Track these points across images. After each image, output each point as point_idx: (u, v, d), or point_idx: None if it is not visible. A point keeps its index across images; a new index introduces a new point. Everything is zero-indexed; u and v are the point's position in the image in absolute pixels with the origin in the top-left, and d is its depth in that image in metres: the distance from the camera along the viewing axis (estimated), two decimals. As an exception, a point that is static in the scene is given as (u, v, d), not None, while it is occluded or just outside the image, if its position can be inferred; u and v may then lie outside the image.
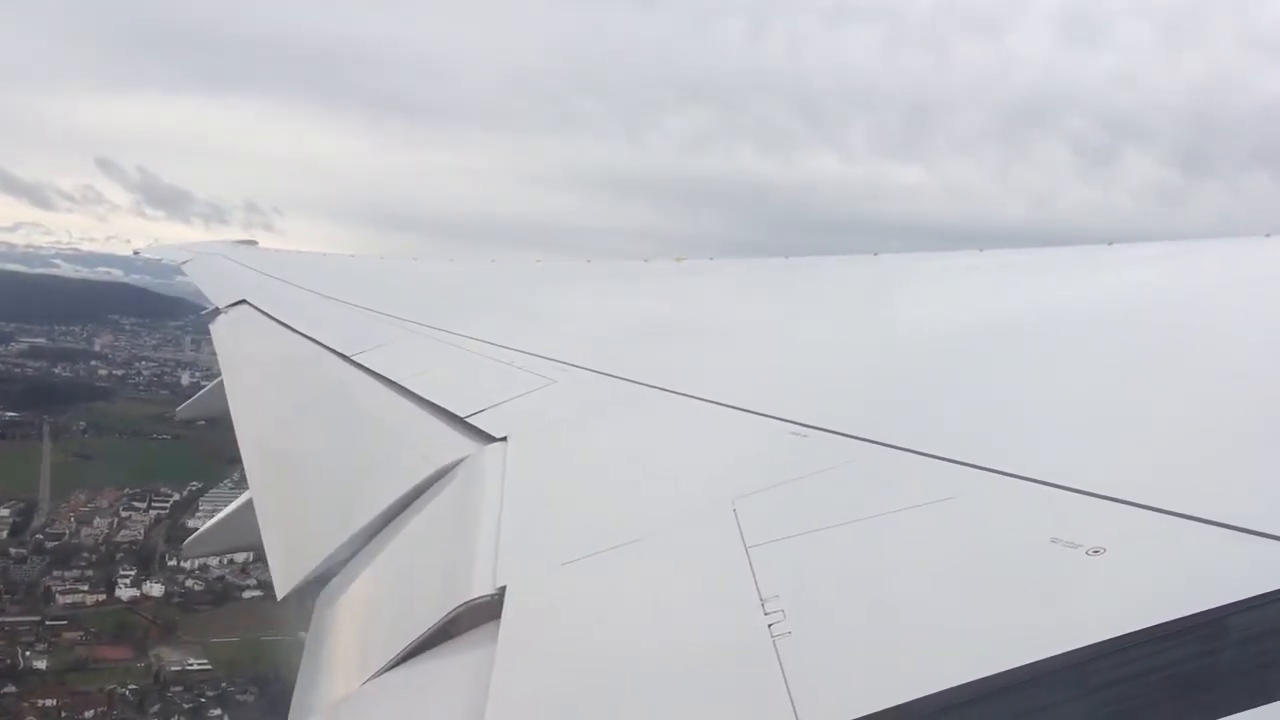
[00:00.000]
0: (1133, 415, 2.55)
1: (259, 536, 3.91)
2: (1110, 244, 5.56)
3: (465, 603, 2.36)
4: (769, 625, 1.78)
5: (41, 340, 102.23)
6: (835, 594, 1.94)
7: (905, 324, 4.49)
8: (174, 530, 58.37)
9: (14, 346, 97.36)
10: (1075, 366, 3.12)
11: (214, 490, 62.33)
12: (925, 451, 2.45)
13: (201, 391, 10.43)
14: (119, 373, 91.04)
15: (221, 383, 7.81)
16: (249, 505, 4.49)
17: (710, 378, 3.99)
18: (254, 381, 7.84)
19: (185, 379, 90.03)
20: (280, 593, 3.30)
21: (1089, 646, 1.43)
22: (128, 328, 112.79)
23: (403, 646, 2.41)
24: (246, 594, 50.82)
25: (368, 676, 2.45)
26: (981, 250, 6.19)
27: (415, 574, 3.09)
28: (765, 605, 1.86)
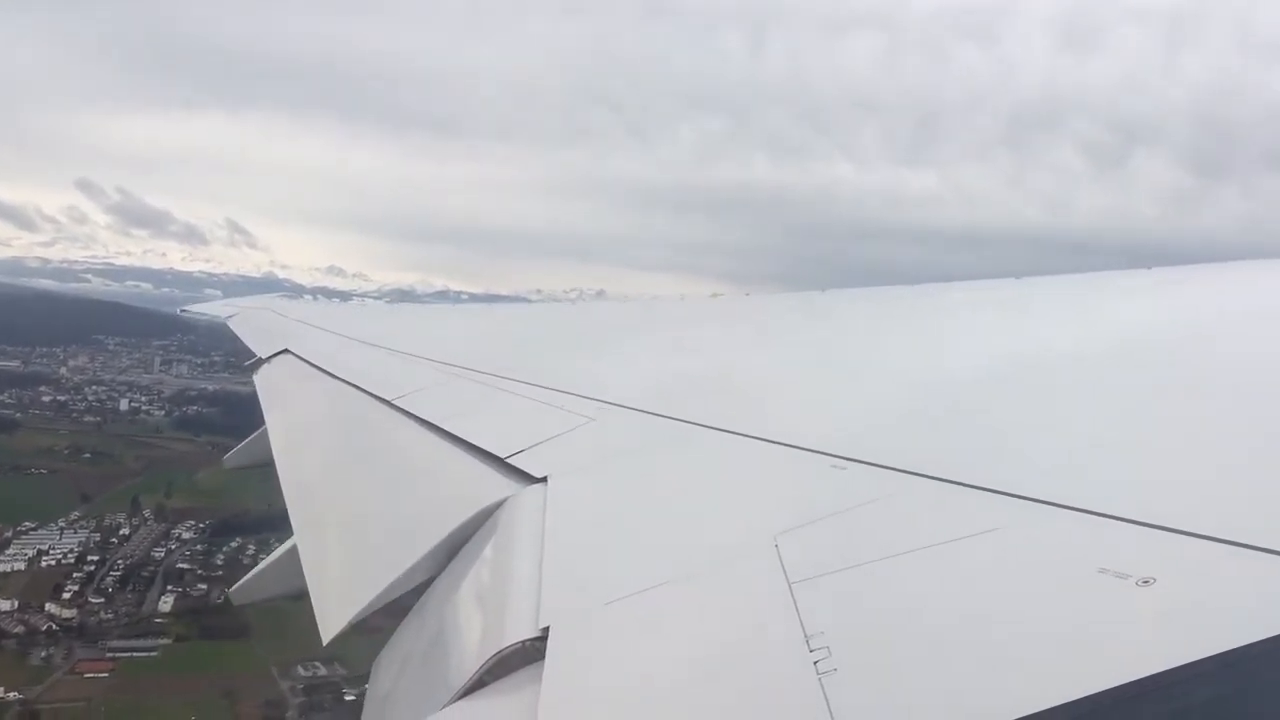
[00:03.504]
0: (1182, 442, 2.51)
1: (304, 581, 3.94)
2: (1150, 268, 5.50)
3: (509, 645, 2.36)
4: (814, 662, 1.76)
5: (15, 364, 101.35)
6: (881, 629, 1.92)
7: (944, 355, 4.46)
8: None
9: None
10: (1121, 394, 3.08)
11: (41, 531, 60.43)
12: (969, 483, 2.43)
13: (247, 440, 10.57)
14: (63, 398, 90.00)
15: (265, 430, 7.92)
16: (294, 551, 4.53)
17: (749, 413, 3.98)
18: (296, 427, 7.93)
19: (124, 405, 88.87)
20: (325, 637, 3.32)
21: (1140, 680, 1.40)
22: (110, 347, 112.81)
23: (449, 692, 2.41)
24: (-1, 643, 49.58)
25: None
26: (1019, 278, 6.14)
27: (458, 618, 3.09)
28: (810, 642, 1.84)
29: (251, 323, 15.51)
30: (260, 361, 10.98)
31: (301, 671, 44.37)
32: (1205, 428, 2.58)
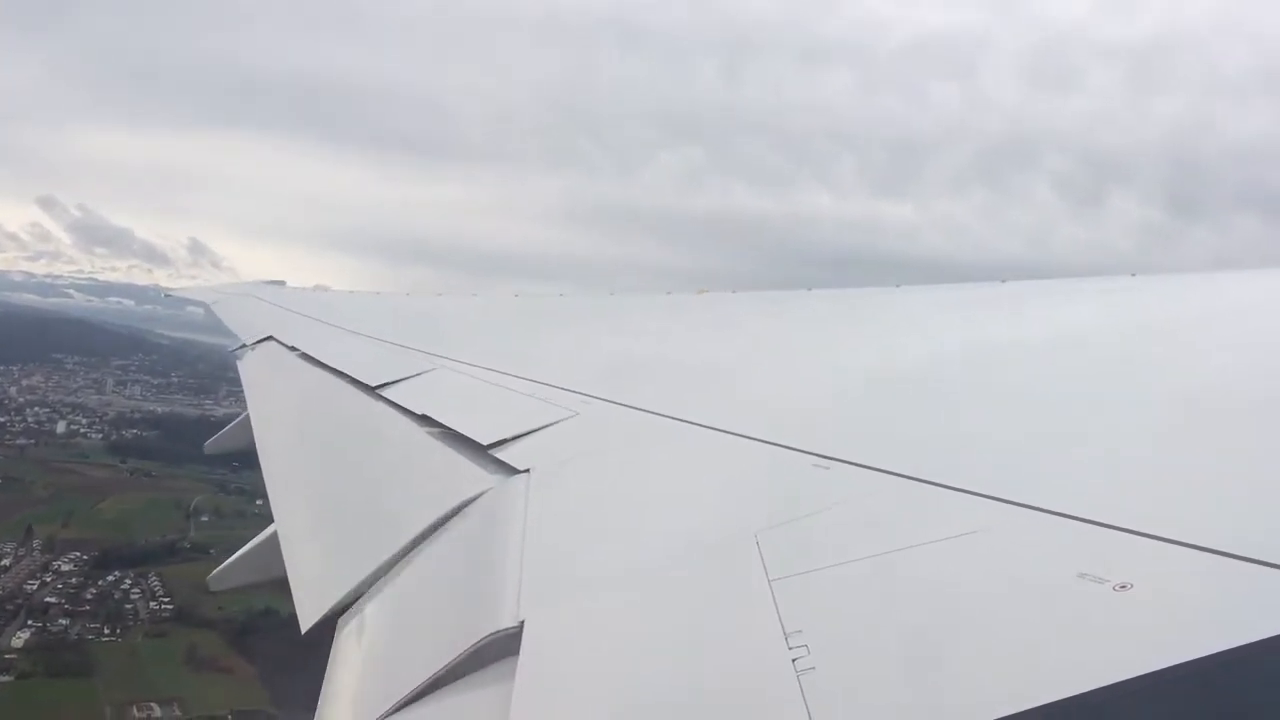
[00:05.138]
0: (1161, 449, 2.53)
1: (283, 568, 3.92)
2: (1133, 275, 5.52)
3: (485, 636, 2.36)
4: (793, 659, 1.76)
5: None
6: (859, 628, 1.92)
7: (930, 355, 4.47)
8: None
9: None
10: (1104, 399, 3.10)
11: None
12: (951, 485, 2.43)
13: (229, 425, 10.51)
14: (2, 419, 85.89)
15: (248, 416, 7.88)
16: (274, 537, 4.51)
17: (733, 410, 3.98)
18: (279, 414, 7.89)
19: (62, 427, 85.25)
20: (305, 625, 3.29)
21: (1116, 684, 1.41)
22: (69, 366, 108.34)
23: (422, 679, 2.40)
24: None
25: (386, 710, 2.44)
26: (1004, 281, 6.16)
27: (436, 606, 3.08)
28: (789, 639, 1.84)
29: (235, 308, 15.42)
30: (244, 347, 10.92)
31: (135, 713, 42.34)
32: (1187, 435, 2.59)
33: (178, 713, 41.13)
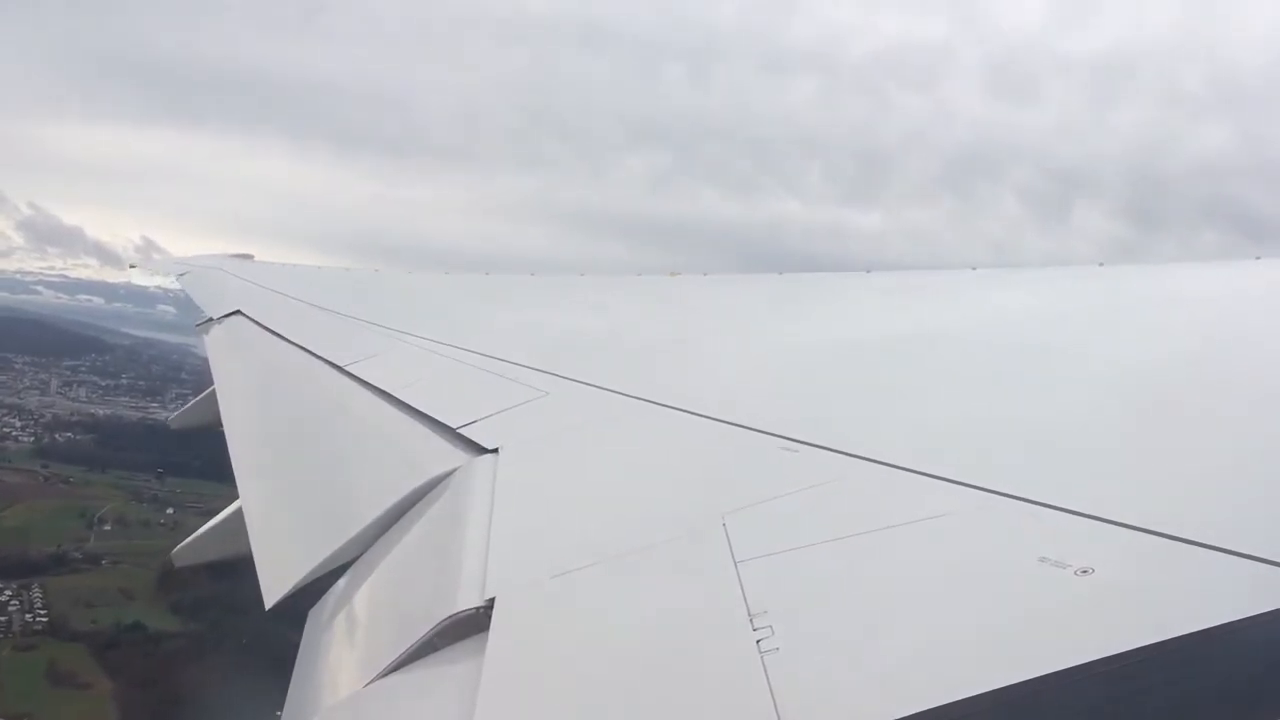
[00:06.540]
0: (1124, 436, 2.56)
1: (248, 544, 3.90)
2: (1101, 264, 5.58)
3: (453, 614, 2.36)
4: (757, 641, 1.77)
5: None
6: (824, 610, 1.94)
7: (898, 340, 4.50)
8: None
9: None
10: (1068, 386, 3.13)
11: None
12: (916, 469, 2.45)
13: (194, 400, 10.40)
14: None
15: (214, 391, 7.81)
16: (239, 513, 4.48)
17: (702, 392, 3.99)
18: (245, 390, 7.83)
19: None
20: (269, 602, 3.28)
21: (1076, 667, 1.43)
22: (18, 366, 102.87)
23: (391, 658, 2.40)
24: None
25: (356, 688, 2.44)
26: (975, 269, 6.21)
27: (404, 585, 3.08)
28: (754, 621, 1.85)
29: (204, 282, 15.22)
30: (211, 322, 10.80)
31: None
32: (1147, 422, 2.63)
33: (23, 729, 40.04)
